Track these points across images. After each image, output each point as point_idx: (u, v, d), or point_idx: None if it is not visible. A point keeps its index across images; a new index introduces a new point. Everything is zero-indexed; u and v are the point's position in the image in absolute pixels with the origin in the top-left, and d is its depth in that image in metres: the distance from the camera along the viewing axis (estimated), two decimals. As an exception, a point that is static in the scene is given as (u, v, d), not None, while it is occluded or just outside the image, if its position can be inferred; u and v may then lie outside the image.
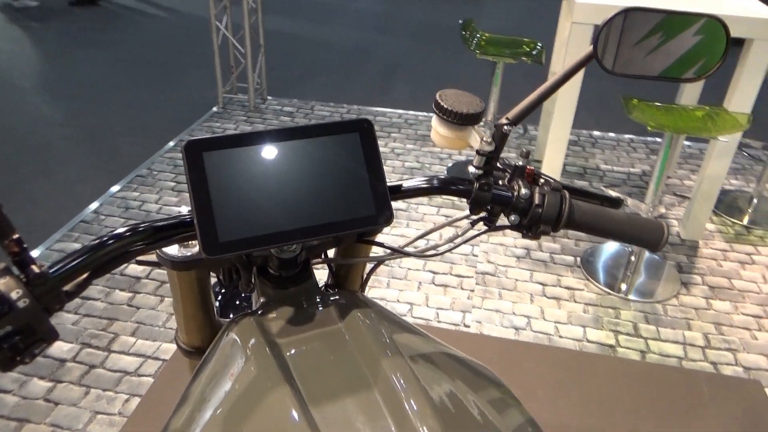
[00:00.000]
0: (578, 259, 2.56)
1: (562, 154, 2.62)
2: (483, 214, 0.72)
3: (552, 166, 2.63)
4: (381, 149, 3.36)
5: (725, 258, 2.61)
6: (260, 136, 0.60)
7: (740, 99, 2.34)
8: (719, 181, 2.54)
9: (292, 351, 0.60)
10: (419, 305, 2.28)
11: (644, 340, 2.15)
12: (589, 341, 2.14)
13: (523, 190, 0.68)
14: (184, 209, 0.65)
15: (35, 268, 0.49)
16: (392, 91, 4.27)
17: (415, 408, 0.52)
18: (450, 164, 3.25)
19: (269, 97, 3.99)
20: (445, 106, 0.67)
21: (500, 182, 0.71)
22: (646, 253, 2.51)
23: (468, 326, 2.18)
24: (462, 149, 0.71)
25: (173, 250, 0.68)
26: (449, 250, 0.75)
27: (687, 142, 3.60)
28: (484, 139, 0.68)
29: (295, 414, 0.52)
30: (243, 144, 0.59)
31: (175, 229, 0.59)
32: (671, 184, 3.18)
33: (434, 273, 2.45)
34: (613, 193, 0.73)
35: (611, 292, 2.37)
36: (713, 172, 2.52)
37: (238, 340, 0.61)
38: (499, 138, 0.68)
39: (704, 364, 2.06)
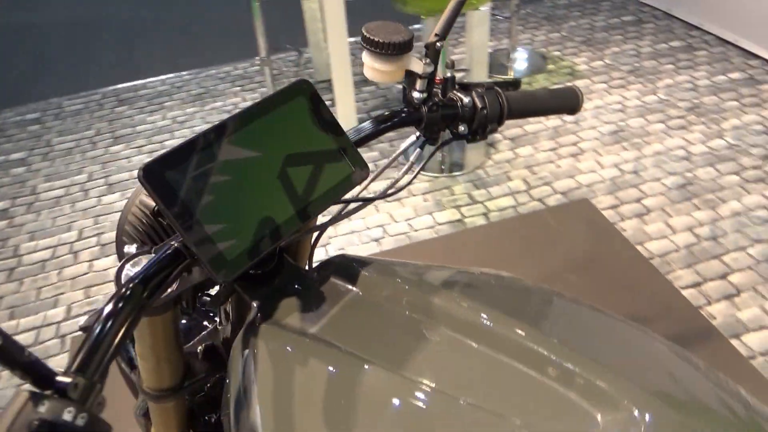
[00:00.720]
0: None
1: (349, 67, 2.66)
2: (425, 134, 0.72)
3: (343, 81, 2.66)
4: (160, 123, 3.09)
5: (510, 111, 2.95)
6: (214, 132, 0.53)
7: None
8: (485, 46, 2.80)
9: (337, 335, 0.57)
10: (279, 258, 2.23)
11: (481, 204, 2.39)
12: (440, 224, 2.31)
13: (465, 99, 0.70)
14: (130, 248, 0.54)
15: (64, 378, 0.41)
16: (141, 58, 3.88)
17: (494, 325, 0.53)
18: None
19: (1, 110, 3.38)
20: (378, 39, 0.64)
21: (436, 99, 0.71)
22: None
23: (334, 257, 2.21)
24: (399, 80, 0.69)
25: None
26: (411, 181, 0.74)
27: (437, 22, 3.86)
28: (425, 61, 0.66)
29: (406, 388, 0.50)
30: (202, 147, 0.52)
31: (168, 268, 0.51)
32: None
33: (278, 222, 2.40)
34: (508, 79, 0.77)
35: (438, 174, 2.56)
36: (479, 40, 2.76)
37: (274, 353, 0.56)
38: (434, 56, 0.67)
39: (534, 203, 2.36)
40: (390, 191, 0.72)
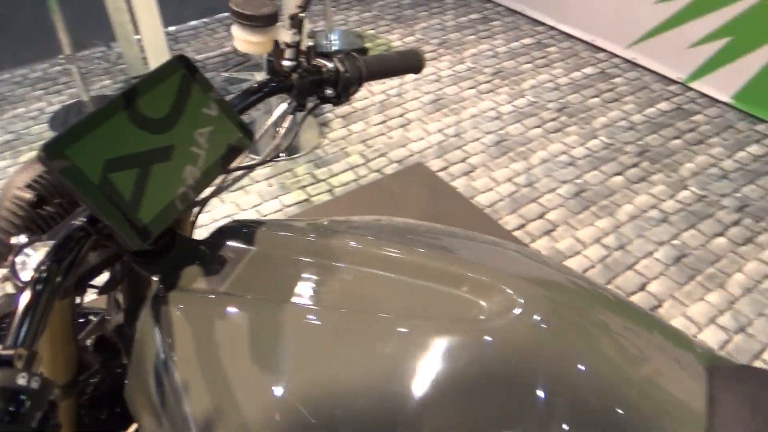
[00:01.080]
0: (234, 146, 2.65)
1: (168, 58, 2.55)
2: (296, 101, 0.76)
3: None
4: (-50, 139, 2.71)
5: (337, 90, 3.04)
6: (108, 111, 0.54)
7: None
8: (305, 28, 2.85)
9: (243, 288, 0.60)
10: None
11: (325, 182, 2.46)
12: (287, 206, 2.35)
13: (329, 65, 0.75)
14: (19, 238, 0.53)
15: (6, 351, 0.42)
16: None
17: (381, 251, 0.61)
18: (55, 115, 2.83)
19: None
20: (248, 13, 0.68)
21: (303, 66, 0.75)
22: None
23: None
24: (269, 51, 0.73)
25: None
26: (289, 144, 0.78)
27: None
28: (292, 31, 0.70)
29: (318, 316, 0.56)
30: (96, 125, 0.52)
31: (77, 246, 0.51)
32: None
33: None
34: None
35: (278, 159, 2.58)
36: (298, 23, 2.80)
37: (187, 316, 0.59)
38: (299, 26, 0.71)
39: (373, 174, 2.49)
40: (270, 157, 0.76)
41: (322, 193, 2.39)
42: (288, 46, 0.73)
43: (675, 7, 2.92)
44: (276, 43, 0.73)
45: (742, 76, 2.79)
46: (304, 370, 0.55)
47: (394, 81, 3.09)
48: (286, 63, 0.74)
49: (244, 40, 0.71)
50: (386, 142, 2.67)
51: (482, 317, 0.55)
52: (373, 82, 3.07)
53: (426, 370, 0.52)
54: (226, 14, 3.74)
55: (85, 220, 0.54)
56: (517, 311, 0.55)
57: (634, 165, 2.53)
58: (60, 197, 0.60)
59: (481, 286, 0.58)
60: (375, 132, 2.74)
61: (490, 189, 2.42)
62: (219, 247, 0.66)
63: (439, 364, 0.52)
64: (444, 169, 2.51)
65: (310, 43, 0.77)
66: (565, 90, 3.01)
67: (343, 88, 0.78)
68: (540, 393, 0.51)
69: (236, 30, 0.71)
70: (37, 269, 0.48)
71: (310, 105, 0.79)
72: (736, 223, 2.23)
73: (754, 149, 2.61)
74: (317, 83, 0.77)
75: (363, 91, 3.01)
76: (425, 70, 3.17)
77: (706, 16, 2.83)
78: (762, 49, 2.67)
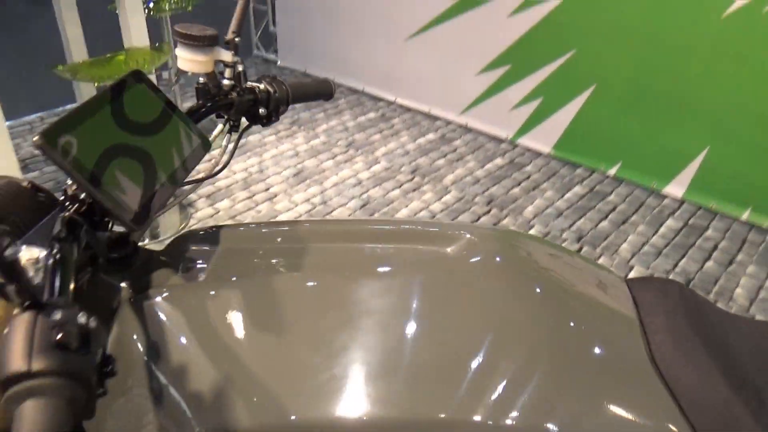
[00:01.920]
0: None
1: (10, 148, 2.39)
2: (233, 120, 0.81)
3: (7, 161, 2.37)
4: None
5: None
6: (97, 104, 0.57)
7: (135, 36, 2.61)
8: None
9: (220, 279, 0.66)
10: None
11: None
12: (162, 290, 2.24)
13: (261, 86, 0.81)
14: None
15: (52, 299, 0.43)
16: None
17: (361, 225, 0.70)
18: None
19: None
20: (194, 33, 0.73)
21: (238, 87, 0.81)
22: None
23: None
24: (210, 70, 0.78)
25: None
26: (230, 159, 0.81)
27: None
28: (231, 53, 0.76)
29: (312, 283, 0.64)
30: (88, 116, 0.55)
31: (74, 230, 0.54)
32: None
33: None
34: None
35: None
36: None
37: (179, 308, 0.62)
38: (235, 49, 0.77)
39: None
40: (216, 171, 0.80)
41: (198, 271, 2.33)
42: (226, 65, 0.79)
43: (493, 78, 3.38)
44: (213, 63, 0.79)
45: (556, 129, 3.27)
46: (312, 329, 0.60)
47: (253, 159, 3.15)
48: (225, 82, 0.80)
49: (189, 59, 0.76)
50: (255, 216, 2.69)
51: (450, 259, 0.67)
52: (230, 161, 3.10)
53: (422, 307, 0.62)
54: (63, 108, 3.58)
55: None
56: (479, 250, 0.67)
57: (486, 213, 2.81)
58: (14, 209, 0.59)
59: (446, 236, 0.70)
60: (242, 207, 2.75)
61: (364, 248, 2.52)
62: (183, 251, 0.69)
63: (433, 299, 0.62)
64: (317, 234, 2.58)
65: (241, 68, 0.83)
66: (414, 154, 3.29)
67: (274, 108, 0.85)
68: (503, 316, 0.61)
69: (181, 51, 0.76)
70: (56, 235, 0.50)
71: (243, 126, 0.85)
72: (578, 251, 2.56)
73: (577, 189, 3.04)
74: (252, 102, 0.83)
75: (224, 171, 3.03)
76: (282, 147, 3.28)
77: (519, 83, 3.30)
78: (567, 106, 3.18)
